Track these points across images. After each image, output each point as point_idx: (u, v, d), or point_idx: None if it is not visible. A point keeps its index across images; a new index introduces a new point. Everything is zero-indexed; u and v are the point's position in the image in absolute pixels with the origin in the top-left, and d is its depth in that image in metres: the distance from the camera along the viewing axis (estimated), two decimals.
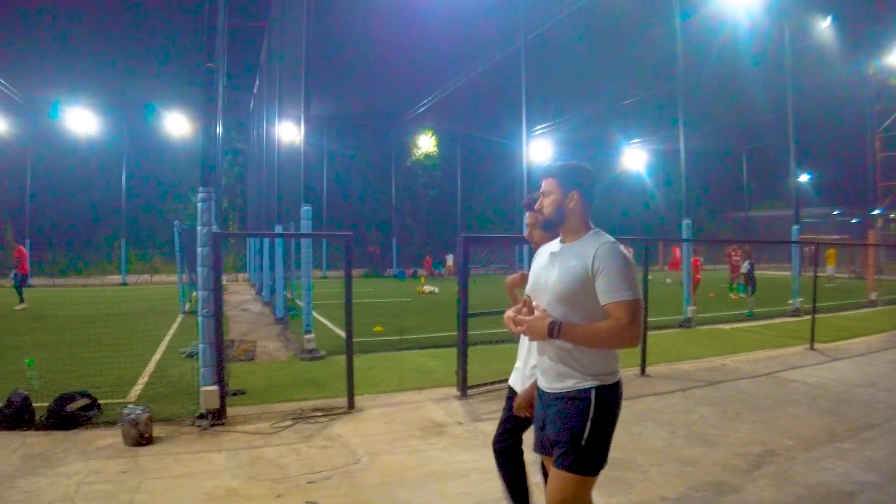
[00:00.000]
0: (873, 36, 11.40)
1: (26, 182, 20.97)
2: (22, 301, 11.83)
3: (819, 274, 10.75)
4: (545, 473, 2.10)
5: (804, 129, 13.62)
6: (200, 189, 4.27)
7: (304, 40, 7.45)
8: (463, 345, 4.78)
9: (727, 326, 8.99)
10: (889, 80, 12.36)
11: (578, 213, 1.87)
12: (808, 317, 9.67)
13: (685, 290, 9.16)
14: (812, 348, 7.11)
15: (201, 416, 4.12)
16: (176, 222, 12.89)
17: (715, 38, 11.07)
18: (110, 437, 3.80)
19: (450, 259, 24.53)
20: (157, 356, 6.85)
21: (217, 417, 4.11)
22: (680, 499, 2.95)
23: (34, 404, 4.12)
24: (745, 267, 11.17)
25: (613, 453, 3.50)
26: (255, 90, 18.96)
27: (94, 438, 3.81)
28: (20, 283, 12.09)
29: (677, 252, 15.68)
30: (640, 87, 17.69)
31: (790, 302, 10.49)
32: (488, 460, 3.33)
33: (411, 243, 26.33)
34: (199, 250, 4.21)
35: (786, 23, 10.15)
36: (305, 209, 7.14)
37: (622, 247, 1.79)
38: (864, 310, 10.93)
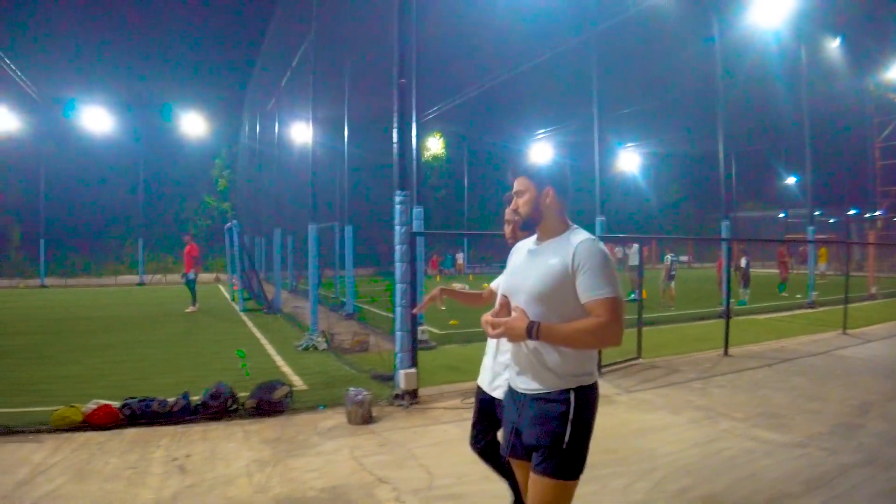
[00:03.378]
0: (872, 53, 12.82)
1: (40, 181, 20.73)
2: (195, 304, 12.04)
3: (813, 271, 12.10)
4: (508, 475, 2.14)
5: (800, 135, 14.98)
6: (398, 192, 4.88)
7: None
8: None
9: (760, 317, 10.18)
10: (887, 95, 13.89)
11: (555, 210, 1.83)
12: (824, 308, 11.01)
13: (724, 284, 10.31)
14: (845, 332, 8.30)
15: (398, 396, 4.78)
16: (234, 222, 13.15)
17: (738, 56, 12.22)
18: (330, 420, 4.35)
19: (459, 257, 25.38)
20: (270, 350, 7.47)
21: (413, 397, 4.81)
22: (829, 432, 3.93)
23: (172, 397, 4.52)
24: (743, 262, 12.51)
25: (769, 408, 4.47)
26: (278, 89, 19.11)
27: (314, 421, 4.31)
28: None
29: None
30: (647, 94, 18.92)
31: (799, 295, 11.81)
32: (668, 419, 4.22)
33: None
34: (397, 248, 4.88)
35: (803, 44, 11.42)
36: (417, 210, 7.52)
37: (602, 244, 1.77)
38: (867, 302, 12.38)
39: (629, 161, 30.32)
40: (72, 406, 4.36)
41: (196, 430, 4.20)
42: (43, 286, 19.25)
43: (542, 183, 1.84)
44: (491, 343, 2.31)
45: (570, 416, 1.70)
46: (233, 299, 14.43)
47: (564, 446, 1.69)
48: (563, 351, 1.72)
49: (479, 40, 14.47)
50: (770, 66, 13.20)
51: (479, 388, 2.35)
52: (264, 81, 17.53)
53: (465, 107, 21.70)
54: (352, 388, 4.49)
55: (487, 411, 2.32)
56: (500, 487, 3.00)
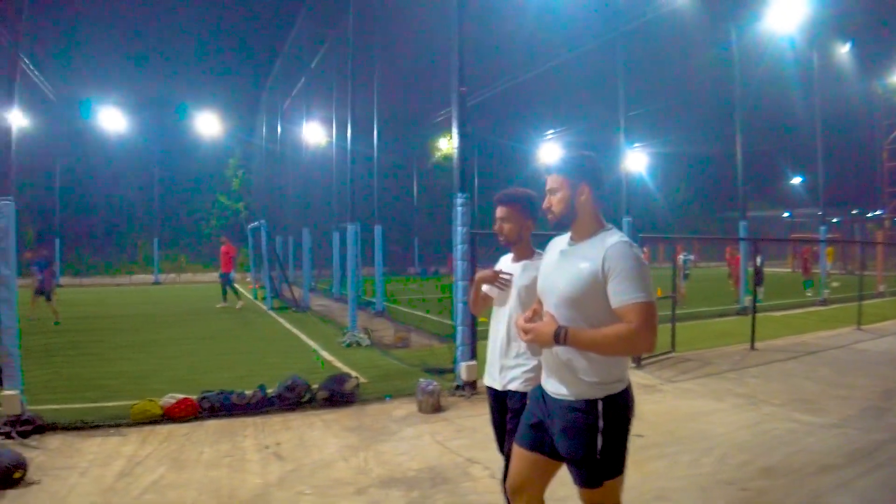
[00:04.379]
0: (881, 58, 13.24)
1: (56, 181, 21.10)
2: (225, 300, 12.46)
3: (815, 271, 12.45)
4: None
5: (809, 136, 15.36)
6: (459, 195, 5.21)
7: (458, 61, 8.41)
8: None
9: (776, 314, 10.55)
10: (895, 98, 14.31)
11: (590, 208, 1.76)
12: (836, 305, 11.38)
13: (742, 283, 10.72)
14: (859, 328, 8.68)
15: (459, 387, 5.14)
16: (262, 222, 13.40)
17: (750, 60, 12.60)
18: (400, 409, 4.67)
19: None
20: (315, 346, 7.79)
21: (473, 388, 5.15)
22: (859, 415, 4.31)
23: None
24: (758, 261, 12.86)
25: (802, 395, 4.83)
26: (293, 92, 19.26)
27: (385, 411, 4.63)
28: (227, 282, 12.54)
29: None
30: (656, 95, 19.33)
31: (809, 293, 12.19)
32: (713, 405, 4.58)
33: (429, 242, 27.44)
34: (458, 247, 5.21)
35: (814, 49, 11.83)
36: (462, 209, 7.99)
37: (635, 246, 1.70)
38: (876, 300, 12.75)
39: (637, 161, 30.72)
40: (150, 400, 4.62)
41: (275, 421, 4.49)
42: (59, 285, 19.66)
43: (577, 180, 1.76)
44: (496, 344, 2.27)
45: (601, 427, 1.67)
46: (255, 297, 14.80)
47: (598, 457, 1.67)
48: (591, 357, 1.67)
49: (494, 42, 14.87)
50: (780, 70, 13.62)
51: (488, 389, 2.32)
52: (286, 82, 17.80)
53: (479, 107, 22.17)
54: (422, 380, 4.85)
55: (502, 410, 2.26)
56: None
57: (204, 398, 4.76)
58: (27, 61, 15.78)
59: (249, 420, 4.53)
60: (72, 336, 8.58)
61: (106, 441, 4.05)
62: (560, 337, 1.64)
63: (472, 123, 24.94)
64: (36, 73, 17.23)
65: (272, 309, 12.26)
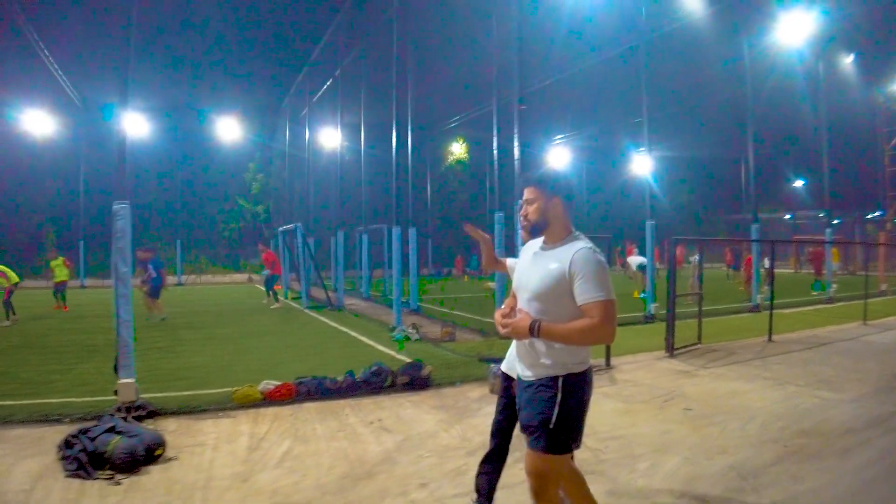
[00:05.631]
0: (883, 68, 14.00)
1: (80, 184, 21.61)
2: (276, 300, 13.32)
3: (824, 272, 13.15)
4: (495, 457, 2.48)
5: (812, 142, 16.10)
6: (497, 212, 5.98)
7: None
8: (671, 319, 6.77)
9: (786, 311, 11.29)
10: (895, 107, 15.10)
11: (560, 218, 2.05)
12: (841, 303, 12.11)
13: (755, 282, 11.48)
14: (865, 323, 9.43)
15: None
16: (298, 224, 13.96)
17: (759, 69, 13.32)
18: (473, 392, 5.30)
19: None
20: (368, 340, 8.37)
21: None
22: (874, 392, 5.04)
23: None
24: (766, 262, 13.61)
25: (822, 377, 5.58)
26: (314, 98, 19.73)
27: (460, 393, 5.23)
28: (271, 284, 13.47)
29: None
30: (664, 102, 20.06)
31: (814, 292, 12.94)
32: (746, 386, 5.30)
33: (441, 245, 28.17)
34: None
35: (820, 60, 12.60)
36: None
37: (597, 252, 1.95)
38: (879, 298, 13.49)
39: (642, 164, 31.46)
40: (250, 386, 5.19)
41: (366, 402, 5.07)
42: (83, 287, 20.00)
43: (550, 193, 2.05)
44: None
45: (558, 399, 1.93)
46: (286, 297, 15.37)
47: (552, 426, 1.93)
48: (554, 345, 1.95)
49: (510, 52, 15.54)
50: (787, 80, 14.35)
51: (503, 374, 2.57)
52: (311, 89, 18.30)
53: (489, 114, 22.88)
54: (493, 364, 5.51)
55: (511, 393, 2.48)
56: (648, 431, 4.08)
57: (301, 383, 5.43)
58: (57, 67, 16.39)
59: (342, 402, 5.07)
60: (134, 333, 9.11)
61: (218, 422, 4.47)
62: (534, 330, 1.92)
63: (481, 129, 25.77)
64: (65, 79, 17.80)
65: (308, 308, 12.88)
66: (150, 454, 3.67)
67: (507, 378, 2.53)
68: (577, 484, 2.24)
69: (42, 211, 23.35)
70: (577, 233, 2.07)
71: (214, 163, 25.21)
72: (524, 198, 2.10)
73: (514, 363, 2.32)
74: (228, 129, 24.22)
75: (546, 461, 1.96)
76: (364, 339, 8.66)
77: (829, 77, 13.68)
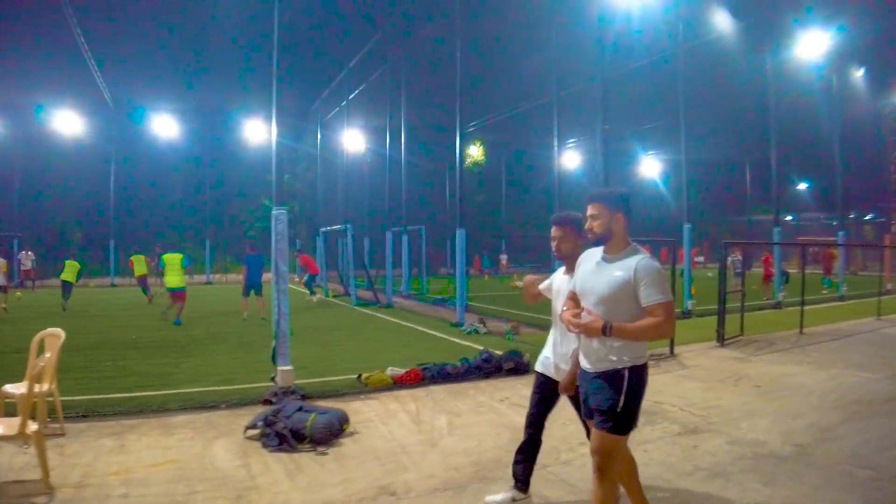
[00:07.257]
0: (889, 81, 15.10)
1: (110, 184, 22.24)
2: (313, 293, 14.73)
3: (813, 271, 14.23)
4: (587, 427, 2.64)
5: (818, 147, 17.21)
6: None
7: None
8: (721, 312, 7.89)
9: (806, 308, 12.45)
10: None
11: (622, 231, 2.33)
12: (852, 301, 13.31)
13: (777, 281, 12.66)
14: (879, 318, 10.63)
15: None
16: (348, 224, 14.56)
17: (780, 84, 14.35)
18: None
19: (503, 258, 27.60)
20: (439, 334, 9.18)
21: None
22: None
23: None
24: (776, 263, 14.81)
25: (855, 361, 6.76)
26: (345, 104, 20.29)
27: None
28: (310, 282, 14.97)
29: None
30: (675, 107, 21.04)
31: (823, 291, 14.08)
32: (795, 369, 6.40)
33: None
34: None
35: (834, 75, 13.74)
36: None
37: (656, 261, 2.27)
38: (886, 296, 14.69)
39: (650, 167, 32.68)
40: (381, 371, 6.00)
41: (482, 385, 5.79)
42: (113, 285, 20.42)
43: (613, 210, 2.33)
44: (551, 338, 2.92)
45: (624, 388, 2.24)
46: (326, 295, 16.15)
47: (619, 410, 2.24)
48: (620, 341, 2.23)
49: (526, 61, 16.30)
50: (795, 88, 15.38)
51: (537, 373, 2.94)
52: (342, 94, 18.95)
53: (506, 119, 23.78)
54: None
55: (546, 389, 2.94)
56: (733, 402, 5.15)
57: (426, 368, 6.44)
58: (96, 68, 16.77)
59: (462, 385, 5.66)
60: (194, 331, 9.21)
61: (366, 403, 4.93)
62: (607, 330, 2.20)
63: (497, 132, 26.73)
64: (102, 81, 18.21)
65: (357, 305, 13.55)
66: (341, 428, 4.19)
67: (541, 376, 2.95)
68: (630, 470, 2.64)
69: (70, 210, 23.76)
70: (635, 244, 2.38)
71: (241, 164, 25.86)
72: (588, 213, 2.37)
73: (551, 364, 2.83)
74: (255, 131, 24.72)
75: (612, 440, 2.28)
76: (433, 332, 9.32)
77: (839, 89, 14.79)
